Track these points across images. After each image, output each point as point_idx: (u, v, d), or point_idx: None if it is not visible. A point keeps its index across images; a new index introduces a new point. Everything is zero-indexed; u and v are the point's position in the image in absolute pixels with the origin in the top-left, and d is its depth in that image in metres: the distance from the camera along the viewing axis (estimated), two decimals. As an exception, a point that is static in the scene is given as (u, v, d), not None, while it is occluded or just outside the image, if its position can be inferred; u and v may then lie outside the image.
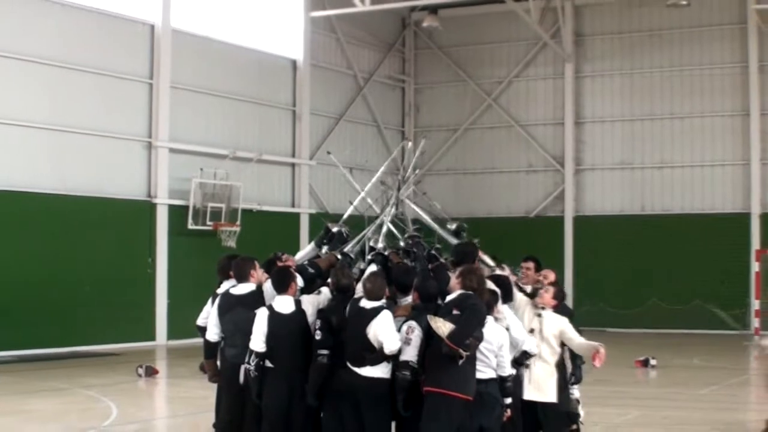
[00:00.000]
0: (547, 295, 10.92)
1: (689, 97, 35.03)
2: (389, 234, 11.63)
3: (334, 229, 11.55)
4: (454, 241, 11.44)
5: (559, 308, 11.05)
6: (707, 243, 34.01)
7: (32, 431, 14.40)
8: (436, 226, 12.03)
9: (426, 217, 12.38)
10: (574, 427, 11.55)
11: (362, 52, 37.20)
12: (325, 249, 11.45)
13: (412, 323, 9.46)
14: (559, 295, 11.11)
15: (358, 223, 12.08)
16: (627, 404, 17.58)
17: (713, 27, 34.73)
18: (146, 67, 28.91)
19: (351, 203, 12.55)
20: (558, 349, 10.78)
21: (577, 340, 10.87)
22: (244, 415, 10.41)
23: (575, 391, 11.51)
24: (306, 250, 11.78)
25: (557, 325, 10.73)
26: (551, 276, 11.86)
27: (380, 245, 11.37)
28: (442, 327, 9.11)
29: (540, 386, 10.59)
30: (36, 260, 25.62)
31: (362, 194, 12.54)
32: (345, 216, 12.28)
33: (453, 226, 11.62)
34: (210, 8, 30.99)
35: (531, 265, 12.18)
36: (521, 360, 10.21)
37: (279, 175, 33.52)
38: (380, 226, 11.70)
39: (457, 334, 9.10)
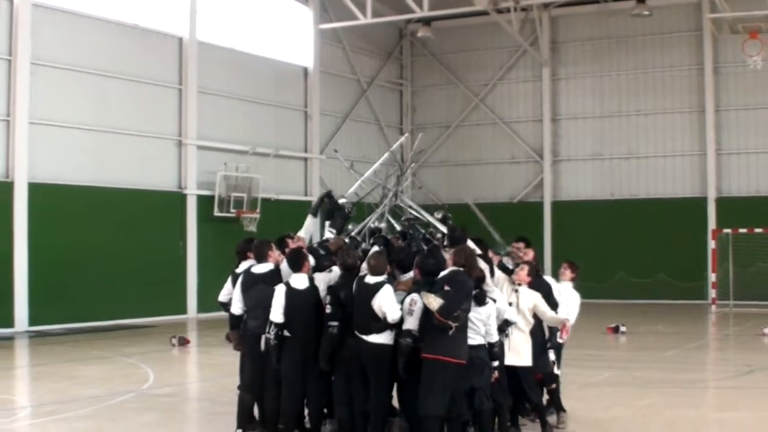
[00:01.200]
0: (522, 273, 11.01)
1: (652, 96, 34.99)
2: (389, 219, 11.71)
3: (341, 201, 11.68)
4: (443, 227, 11.47)
5: (535, 284, 11.12)
6: (669, 224, 34.02)
7: (81, 394, 14.42)
8: (428, 216, 12.04)
9: (418, 209, 12.37)
10: (553, 386, 11.60)
11: (365, 60, 37.16)
12: (311, 218, 11.61)
13: (415, 296, 9.54)
14: (533, 272, 11.17)
15: (359, 209, 12.17)
16: (600, 366, 17.60)
17: (672, 34, 34.68)
18: (176, 75, 28.90)
19: (356, 194, 12.60)
20: (531, 320, 10.87)
21: (549, 314, 10.96)
22: (265, 378, 10.46)
23: (551, 355, 11.55)
24: (306, 224, 11.85)
25: (531, 299, 10.83)
26: (530, 254, 11.91)
27: (382, 225, 11.45)
28: (433, 302, 9.21)
29: (518, 352, 10.69)
30: (82, 244, 25.65)
31: (360, 180, 12.62)
32: (351, 190, 12.36)
33: (439, 215, 11.67)
34: (231, 22, 30.95)
35: (521, 245, 12.19)
36: (503, 327, 10.31)
37: (293, 168, 33.52)
38: (382, 214, 11.77)
39: (445, 308, 9.19)
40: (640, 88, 35.23)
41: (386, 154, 13.67)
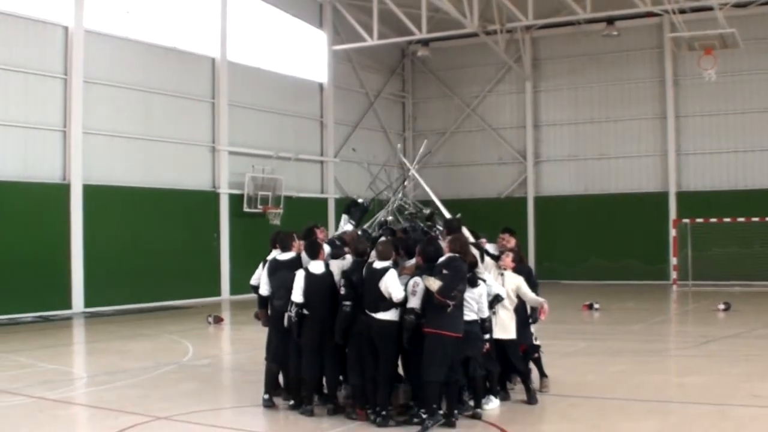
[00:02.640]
0: (507, 259, 11.10)
1: (620, 105, 34.89)
2: (395, 213, 11.82)
3: (360, 200, 11.84)
4: (448, 214, 11.61)
5: (518, 269, 11.17)
6: (636, 215, 33.95)
7: (130, 366, 14.46)
8: (438, 203, 12.17)
9: (429, 191, 12.51)
10: (536, 355, 11.61)
11: (372, 76, 37.10)
12: (345, 218, 11.77)
13: (417, 279, 9.62)
14: (517, 259, 11.22)
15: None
16: (577, 338, 17.60)
17: (638, 51, 34.53)
18: (209, 90, 28.89)
19: (372, 189, 12.68)
20: (515, 299, 10.93)
21: (530, 295, 11.02)
22: (288, 350, 10.50)
23: (533, 329, 11.59)
24: (342, 222, 12.03)
25: (514, 281, 10.92)
26: (512, 242, 11.93)
27: (389, 218, 11.54)
28: (433, 284, 9.28)
29: (504, 327, 10.74)
30: (130, 237, 25.74)
31: (372, 181, 12.68)
32: (367, 199, 12.43)
33: (427, 211, 11.74)
34: (257, 45, 30.95)
35: (506, 235, 12.15)
36: (494, 302, 10.34)
37: (311, 169, 33.48)
38: (389, 210, 11.88)
39: (444, 289, 9.23)
40: (609, 98, 35.13)
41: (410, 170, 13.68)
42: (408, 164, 12.79)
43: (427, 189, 12.68)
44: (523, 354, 11.22)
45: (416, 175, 12.79)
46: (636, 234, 33.80)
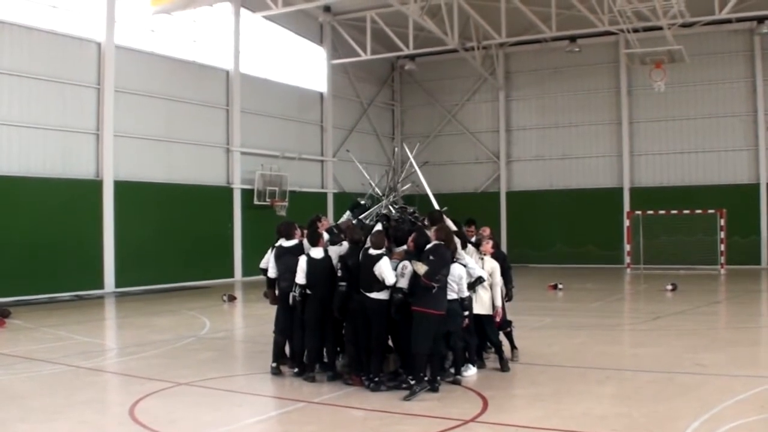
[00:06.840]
0: (488, 246, 11.14)
1: (581, 112, 34.90)
2: (389, 206, 11.83)
3: (362, 202, 11.87)
4: (437, 205, 11.64)
5: (495, 255, 11.18)
6: (594, 207, 34.03)
7: (155, 338, 14.39)
8: (431, 195, 12.24)
9: (425, 184, 12.58)
10: (508, 329, 11.60)
11: (365, 86, 37.00)
12: (347, 214, 11.78)
13: (406, 263, 9.61)
14: (495, 246, 11.25)
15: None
16: (543, 314, 17.58)
17: (596, 65, 34.53)
18: (224, 99, 28.77)
19: (371, 184, 12.58)
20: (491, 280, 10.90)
21: (497, 287, 10.97)
22: (293, 324, 10.47)
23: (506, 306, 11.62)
24: (344, 217, 12.02)
25: (492, 265, 10.94)
26: (487, 230, 11.94)
27: (384, 211, 11.55)
28: (420, 268, 9.28)
29: (483, 304, 10.74)
30: (156, 226, 25.65)
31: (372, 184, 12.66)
32: (367, 195, 12.42)
33: (411, 209, 11.75)
34: (266, 59, 30.82)
35: (472, 228, 12.18)
36: (476, 283, 10.33)
37: (312, 168, 33.39)
38: (383, 204, 11.90)
39: (430, 273, 9.22)
40: (572, 106, 35.13)
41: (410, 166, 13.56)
42: (413, 161, 12.83)
43: (424, 183, 12.71)
44: (497, 328, 11.21)
45: (418, 171, 12.83)
46: (595, 224, 33.86)
